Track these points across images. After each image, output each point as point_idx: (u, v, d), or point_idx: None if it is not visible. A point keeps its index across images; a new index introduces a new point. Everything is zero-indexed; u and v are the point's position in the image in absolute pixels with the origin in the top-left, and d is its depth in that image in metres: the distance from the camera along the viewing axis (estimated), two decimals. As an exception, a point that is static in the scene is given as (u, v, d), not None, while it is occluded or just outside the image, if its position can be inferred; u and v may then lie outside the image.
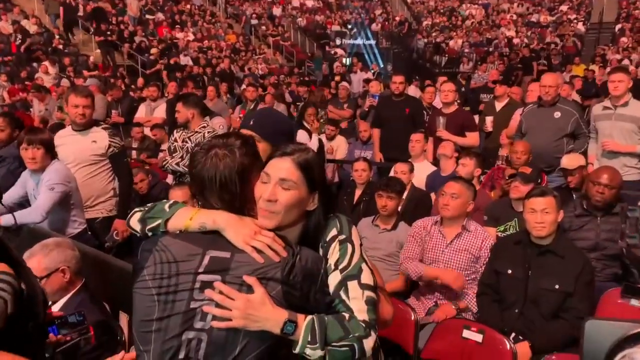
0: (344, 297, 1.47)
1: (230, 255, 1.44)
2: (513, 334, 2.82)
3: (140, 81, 12.95)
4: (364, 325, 1.42)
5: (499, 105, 6.89)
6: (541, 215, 2.85)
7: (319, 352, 1.38)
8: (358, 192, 4.81)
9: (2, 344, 1.48)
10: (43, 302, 1.72)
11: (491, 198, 4.51)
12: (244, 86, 13.45)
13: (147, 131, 8.00)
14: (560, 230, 2.98)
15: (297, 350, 1.39)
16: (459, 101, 6.75)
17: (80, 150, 3.88)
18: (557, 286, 2.83)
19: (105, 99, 8.87)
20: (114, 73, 14.10)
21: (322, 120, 7.38)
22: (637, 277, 3.23)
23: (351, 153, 6.89)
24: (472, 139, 5.58)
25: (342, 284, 1.48)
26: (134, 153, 7.58)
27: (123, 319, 2.63)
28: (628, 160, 4.62)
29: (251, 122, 2.05)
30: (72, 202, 3.46)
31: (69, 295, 2.45)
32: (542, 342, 2.76)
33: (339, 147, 6.99)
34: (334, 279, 1.49)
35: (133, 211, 1.62)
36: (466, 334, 2.63)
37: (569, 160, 4.33)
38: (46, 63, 13.04)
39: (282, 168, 1.51)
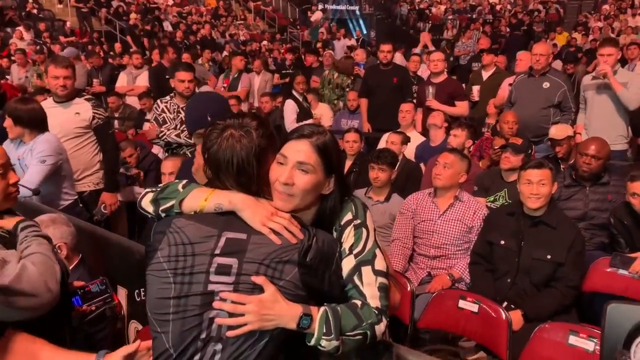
0: (357, 282, 1.47)
1: (246, 236, 1.42)
2: (505, 303, 2.89)
3: (118, 47, 12.61)
4: (376, 312, 1.43)
5: (485, 75, 6.91)
6: (537, 187, 2.89)
7: (335, 343, 1.38)
8: (348, 163, 4.81)
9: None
10: (65, 273, 1.73)
11: (480, 168, 4.56)
12: (225, 53, 13.24)
13: (128, 100, 7.85)
14: (553, 201, 3.03)
15: (312, 343, 1.40)
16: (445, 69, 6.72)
17: (64, 123, 3.77)
18: (549, 256, 2.89)
19: (85, 67, 8.63)
20: (91, 39, 13.70)
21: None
22: (624, 246, 3.31)
23: (338, 122, 6.85)
24: (461, 108, 5.60)
25: (356, 269, 1.48)
26: (116, 123, 7.43)
27: (122, 294, 2.62)
28: (615, 130, 4.68)
29: (208, 118, 2.10)
30: (63, 173, 3.40)
31: (65, 271, 2.42)
32: (533, 311, 2.83)
33: (323, 115, 6.95)
34: (348, 264, 1.49)
35: (144, 192, 1.58)
36: (462, 304, 2.69)
37: (557, 131, 4.38)
38: (20, 28, 12.61)
39: (299, 150, 1.48)
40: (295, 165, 1.47)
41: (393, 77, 6.03)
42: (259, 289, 1.38)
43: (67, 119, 3.80)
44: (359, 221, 1.54)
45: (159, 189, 1.56)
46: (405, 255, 3.39)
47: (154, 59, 8.77)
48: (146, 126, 6.90)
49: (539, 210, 2.96)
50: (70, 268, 2.43)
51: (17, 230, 1.71)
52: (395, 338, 2.78)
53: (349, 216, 1.54)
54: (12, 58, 10.39)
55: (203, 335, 1.39)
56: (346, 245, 1.51)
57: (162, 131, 4.08)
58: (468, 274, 3.18)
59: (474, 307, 2.64)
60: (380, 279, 1.48)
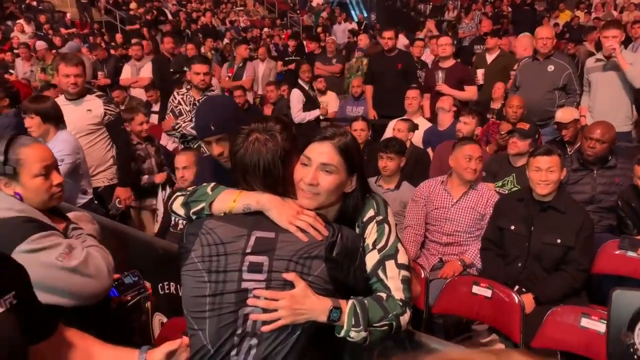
0: (381, 276, 1.55)
1: (274, 235, 1.49)
2: (516, 287, 2.96)
3: (119, 37, 12.60)
4: (400, 303, 1.51)
5: (490, 58, 6.92)
6: (546, 174, 2.95)
7: (363, 334, 1.46)
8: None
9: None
10: None
11: (487, 153, 4.61)
12: (226, 41, 13.20)
13: (133, 92, 7.88)
14: (562, 186, 3.08)
15: (342, 334, 1.47)
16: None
17: (77, 120, 3.83)
18: (558, 240, 2.95)
19: (90, 60, 8.65)
20: (92, 30, 13.67)
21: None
22: (632, 228, 3.38)
23: (343, 109, 6.90)
24: (470, 92, 5.62)
25: (380, 264, 1.56)
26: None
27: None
28: (620, 112, 4.71)
29: (212, 127, 2.15)
30: (81, 172, 3.47)
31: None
32: (544, 294, 2.91)
33: (330, 103, 6.99)
34: (371, 259, 1.57)
35: (175, 195, 1.66)
36: (475, 289, 2.76)
37: (564, 114, 4.41)
38: (21, 21, 12.58)
39: (323, 152, 1.55)
40: (319, 167, 1.54)
41: (397, 63, 6.06)
42: (290, 285, 1.45)
43: (80, 116, 3.86)
44: (380, 217, 1.61)
45: (188, 193, 1.63)
46: (417, 242, 3.46)
47: (161, 49, 8.72)
48: (153, 118, 6.96)
49: (548, 195, 3.02)
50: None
51: (67, 231, 1.83)
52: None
53: (371, 213, 1.62)
54: (15, 51, 10.41)
55: (239, 331, 1.46)
56: (369, 241, 1.58)
57: (177, 123, 4.14)
58: (479, 260, 3.25)
59: (488, 293, 2.71)
60: (403, 272, 1.56)
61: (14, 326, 1.20)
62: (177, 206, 1.62)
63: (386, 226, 1.60)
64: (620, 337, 1.45)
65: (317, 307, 1.45)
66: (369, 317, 1.47)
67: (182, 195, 1.64)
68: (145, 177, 4.34)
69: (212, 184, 1.63)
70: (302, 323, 1.46)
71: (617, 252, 3.06)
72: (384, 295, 1.52)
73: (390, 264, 1.55)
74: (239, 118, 2.04)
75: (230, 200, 1.54)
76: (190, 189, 1.66)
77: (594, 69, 4.84)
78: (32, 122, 3.34)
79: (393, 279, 1.54)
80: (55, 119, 3.42)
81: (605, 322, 2.32)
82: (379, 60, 6.30)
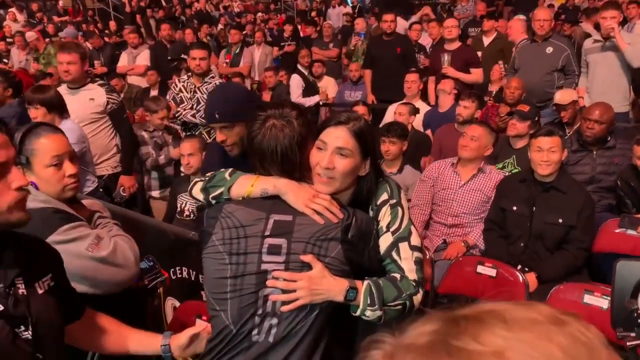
0: (395, 257, 1.60)
1: (292, 218, 1.54)
2: (519, 266, 3.03)
3: (112, 25, 12.49)
4: (414, 284, 1.57)
5: (486, 40, 6.93)
6: (547, 154, 2.99)
7: (378, 313, 1.52)
8: (357, 136, 4.89)
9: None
10: None
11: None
12: (220, 26, 13.12)
13: (130, 80, 7.85)
14: (563, 167, 3.14)
15: (357, 313, 1.53)
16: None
17: (79, 109, 3.84)
18: (560, 220, 3.02)
19: (87, 49, 8.61)
20: (85, 18, 13.56)
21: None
22: (631, 207, 3.44)
23: (341, 94, 6.91)
24: (476, 75, 5.62)
25: (394, 245, 1.61)
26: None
27: (158, 274, 2.75)
28: (617, 93, 4.76)
29: (216, 115, 2.19)
30: (86, 160, 3.49)
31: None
32: (547, 273, 2.98)
33: (328, 88, 7.00)
34: (385, 241, 1.62)
35: (194, 181, 1.71)
36: (480, 269, 2.83)
37: (562, 96, 4.45)
38: (13, 10, 12.47)
39: (338, 137, 1.59)
40: (334, 151, 1.58)
41: (396, 47, 6.06)
42: (308, 267, 1.50)
43: (82, 105, 3.87)
44: (394, 201, 1.66)
45: (207, 178, 1.68)
46: (422, 222, 3.51)
47: (162, 36, 8.64)
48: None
49: (549, 176, 3.07)
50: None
51: (92, 219, 1.88)
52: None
53: (384, 196, 1.67)
54: (9, 40, 10.33)
55: (260, 312, 1.51)
56: (383, 224, 1.64)
57: (178, 111, 4.16)
58: (482, 241, 3.31)
59: (492, 272, 2.78)
60: (416, 254, 1.62)
61: (54, 307, 1.25)
62: (197, 191, 1.66)
63: (399, 209, 1.65)
64: (625, 304, 1.54)
65: (334, 288, 1.50)
66: (383, 297, 1.53)
67: (201, 180, 1.68)
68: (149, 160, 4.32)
69: (230, 170, 1.67)
70: (319, 303, 1.51)
71: (617, 231, 3.13)
72: (398, 275, 1.58)
73: (404, 246, 1.61)
74: (245, 109, 1.95)
75: (248, 185, 1.58)
76: (209, 174, 1.70)
77: (592, 50, 4.88)
78: (37, 113, 3.35)
79: (407, 260, 1.59)
80: (59, 108, 3.44)
81: (608, 298, 2.41)
82: (377, 44, 6.30)
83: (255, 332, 1.51)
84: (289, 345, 1.50)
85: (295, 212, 1.55)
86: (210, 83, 4.25)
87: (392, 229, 1.62)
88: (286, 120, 1.59)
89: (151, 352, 1.73)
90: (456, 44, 5.70)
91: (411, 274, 1.58)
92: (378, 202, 1.67)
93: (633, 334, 1.50)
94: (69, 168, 1.87)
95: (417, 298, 1.57)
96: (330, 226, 1.52)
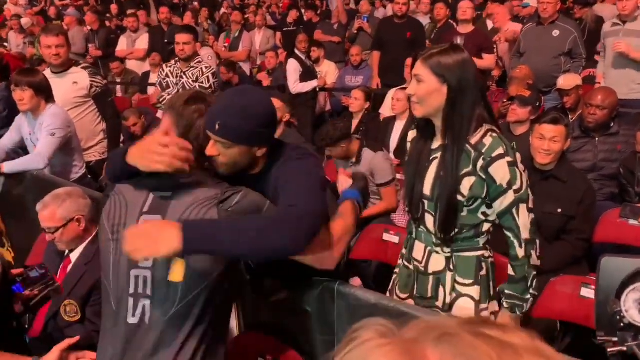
0: (515, 215, 1.78)
1: (170, 194, 1.54)
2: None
3: (114, 8, 12.33)
4: (525, 242, 1.82)
5: (490, 24, 6.76)
6: (549, 144, 2.87)
7: (528, 303, 1.90)
8: (355, 122, 4.79)
9: None
10: (5, 265, 1.83)
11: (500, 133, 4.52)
12: (223, 10, 12.93)
13: (129, 65, 7.75)
14: (564, 155, 3.02)
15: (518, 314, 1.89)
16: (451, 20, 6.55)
17: (64, 94, 3.72)
18: (559, 210, 2.90)
19: (83, 31, 8.50)
20: (86, 1, 13.39)
21: None
22: (633, 196, 3.33)
23: (342, 79, 6.78)
24: (489, 61, 5.42)
25: (515, 204, 1.77)
26: (118, 89, 7.37)
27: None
28: (633, 78, 4.60)
29: (216, 127, 1.54)
30: (73, 146, 3.41)
31: (85, 244, 2.46)
32: (545, 263, 2.83)
33: (328, 72, 6.86)
34: (507, 198, 1.77)
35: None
36: (386, 237, 2.84)
37: (565, 81, 4.32)
38: (14, -8, 12.33)
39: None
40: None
41: (407, 32, 5.86)
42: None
43: (66, 90, 3.76)
44: (511, 159, 1.76)
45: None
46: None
47: (161, 19, 8.50)
48: (150, 90, 6.87)
49: (549, 164, 2.96)
50: (89, 240, 2.47)
51: None
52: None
53: (500, 150, 1.74)
54: (6, 24, 10.21)
55: (131, 291, 1.51)
56: (502, 181, 1.75)
57: (162, 96, 4.07)
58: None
59: (396, 239, 2.79)
60: (532, 216, 1.81)
61: None
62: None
63: (518, 170, 1.76)
64: (609, 303, 1.42)
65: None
66: (518, 295, 1.86)
67: None
68: None
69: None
70: (195, 282, 1.48)
71: (618, 221, 3.02)
72: (511, 273, 1.88)
73: (523, 207, 1.78)
74: (260, 135, 1.59)
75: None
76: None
77: (610, 34, 4.73)
78: (24, 95, 3.26)
79: (524, 219, 1.78)
80: (46, 92, 3.35)
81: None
82: (387, 26, 6.10)
83: (130, 313, 1.51)
84: (162, 327, 1.49)
85: (176, 188, 1.53)
86: (197, 68, 4.16)
87: (514, 188, 1.76)
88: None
89: None
90: (470, 27, 5.47)
91: (525, 232, 1.80)
92: (493, 155, 1.73)
93: (615, 339, 1.36)
94: None
95: (533, 259, 1.83)
96: (205, 200, 1.51)
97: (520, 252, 1.83)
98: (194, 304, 1.47)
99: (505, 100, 4.42)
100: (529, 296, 1.86)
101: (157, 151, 1.49)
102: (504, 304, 1.90)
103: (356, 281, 3.18)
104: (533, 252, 1.83)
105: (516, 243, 1.83)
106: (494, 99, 4.90)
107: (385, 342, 0.54)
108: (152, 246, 1.36)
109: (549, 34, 4.82)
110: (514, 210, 1.78)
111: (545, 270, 2.81)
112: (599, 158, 3.59)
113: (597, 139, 3.62)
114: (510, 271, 1.89)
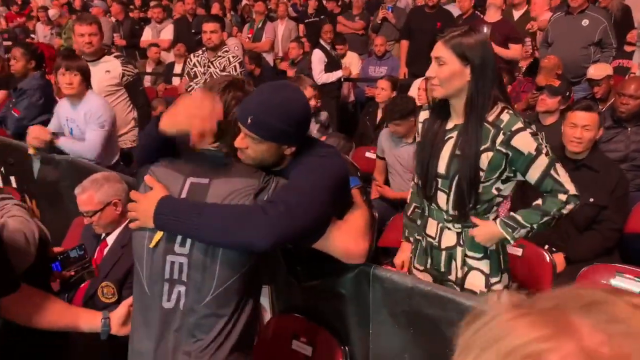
0: (554, 175, 1.82)
1: (208, 181, 1.50)
2: (547, 245, 2.92)
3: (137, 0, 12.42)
4: (566, 197, 1.83)
5: (516, 14, 6.66)
6: (581, 131, 2.85)
7: (522, 232, 1.90)
8: (380, 113, 4.78)
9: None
10: (45, 239, 1.82)
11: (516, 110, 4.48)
12: (245, 1, 12.95)
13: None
14: (596, 144, 2.99)
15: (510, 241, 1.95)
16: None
17: (97, 82, 3.77)
18: (591, 199, 2.88)
19: (109, 22, 8.59)
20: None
21: None
22: (667, 186, 3.29)
23: (365, 69, 6.77)
24: (515, 51, 5.36)
25: (552, 165, 1.82)
26: (147, 79, 7.44)
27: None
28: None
29: (249, 120, 1.49)
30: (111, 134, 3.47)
31: (121, 227, 2.51)
32: (576, 253, 2.86)
33: (352, 63, 6.85)
34: (542, 162, 1.81)
35: None
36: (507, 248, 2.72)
37: (596, 70, 4.27)
38: (40, -15, 12.49)
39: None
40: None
41: (437, 22, 5.80)
42: None
43: (99, 78, 3.81)
44: (532, 131, 1.83)
45: None
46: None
47: (184, 10, 8.58)
48: (175, 81, 6.94)
49: (581, 153, 2.94)
50: (125, 224, 2.52)
51: None
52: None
53: (519, 124, 1.81)
54: (32, 15, 10.35)
55: (167, 276, 1.50)
56: (531, 149, 1.80)
57: (190, 85, 4.11)
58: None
59: (518, 251, 2.67)
60: (566, 172, 1.87)
61: None
62: None
63: (541, 139, 1.83)
64: None
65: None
66: (523, 222, 1.86)
67: None
68: None
69: None
70: (226, 271, 1.49)
71: (652, 211, 2.99)
72: (539, 201, 1.87)
73: (559, 166, 1.84)
74: (292, 134, 1.53)
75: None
76: None
77: None
78: (74, 79, 3.27)
79: (564, 175, 1.84)
80: (89, 79, 3.42)
81: (640, 280, 2.29)
82: (417, 15, 6.07)
83: (165, 298, 1.50)
84: (198, 313, 1.48)
85: (213, 176, 1.51)
86: (224, 57, 4.18)
87: (544, 152, 1.81)
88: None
89: (89, 328, 1.72)
90: (497, 16, 5.41)
91: (570, 187, 1.83)
92: (513, 129, 1.80)
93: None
94: None
95: (569, 207, 1.84)
96: (243, 190, 1.48)
97: (562, 197, 1.83)
98: (229, 290, 1.47)
99: (534, 92, 4.37)
100: (529, 227, 1.87)
101: (190, 108, 1.47)
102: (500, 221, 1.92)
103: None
104: (570, 206, 1.84)
105: (561, 195, 1.84)
106: (522, 88, 4.84)
107: (525, 312, 0.50)
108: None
109: (578, 24, 4.75)
110: (552, 171, 1.81)
111: (576, 260, 2.83)
112: (631, 148, 3.54)
113: (629, 129, 3.57)
114: (539, 201, 1.89)
